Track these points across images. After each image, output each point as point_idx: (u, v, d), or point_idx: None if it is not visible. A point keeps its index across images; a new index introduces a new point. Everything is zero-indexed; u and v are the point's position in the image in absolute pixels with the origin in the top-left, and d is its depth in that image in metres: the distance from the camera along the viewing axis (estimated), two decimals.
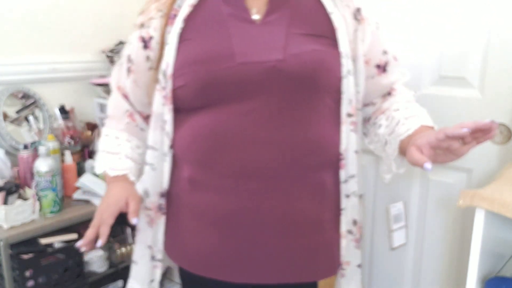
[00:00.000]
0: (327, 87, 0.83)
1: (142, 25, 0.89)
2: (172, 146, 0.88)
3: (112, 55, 1.85)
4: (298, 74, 0.80)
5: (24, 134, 1.68)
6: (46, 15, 1.74)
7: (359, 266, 0.93)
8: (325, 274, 0.90)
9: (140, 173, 0.97)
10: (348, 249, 0.90)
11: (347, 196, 0.88)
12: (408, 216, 1.49)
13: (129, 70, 0.92)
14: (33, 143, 1.63)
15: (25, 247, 1.40)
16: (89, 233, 0.86)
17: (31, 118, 1.70)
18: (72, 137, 1.72)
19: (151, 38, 0.88)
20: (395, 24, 1.41)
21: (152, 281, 0.96)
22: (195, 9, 0.85)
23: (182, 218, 0.90)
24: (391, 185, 1.50)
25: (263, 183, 0.81)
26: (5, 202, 1.41)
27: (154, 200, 0.92)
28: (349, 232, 0.90)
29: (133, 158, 0.96)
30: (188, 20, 0.84)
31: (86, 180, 1.65)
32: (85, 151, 1.77)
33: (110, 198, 0.91)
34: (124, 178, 0.94)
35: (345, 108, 0.85)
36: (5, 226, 1.37)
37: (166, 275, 2.03)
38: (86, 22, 1.86)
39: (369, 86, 0.90)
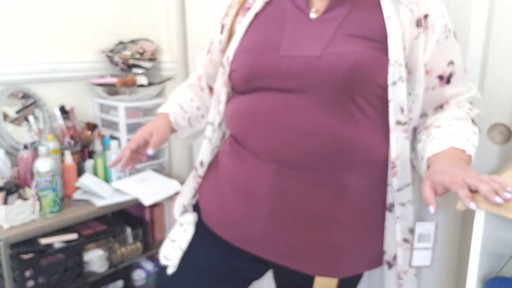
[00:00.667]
0: (364, 90, 0.82)
1: (226, 14, 1.03)
2: (221, 123, 0.99)
3: (112, 55, 1.85)
4: (333, 72, 0.80)
5: (24, 134, 1.68)
6: (46, 15, 1.74)
7: (415, 275, 0.92)
8: (323, 272, 0.89)
9: (187, 123, 1.13)
10: (405, 258, 0.88)
11: (402, 204, 0.86)
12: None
13: (208, 50, 1.09)
14: (33, 143, 1.63)
15: (25, 247, 1.39)
16: (117, 157, 1.05)
17: (31, 118, 1.70)
18: (72, 137, 1.72)
19: (225, 25, 1.01)
20: None
21: (181, 224, 1.04)
22: (267, 4, 0.95)
23: (216, 176, 0.98)
24: None
25: (285, 167, 0.85)
26: (5, 202, 1.41)
27: (206, 169, 1.03)
28: (405, 240, 0.88)
29: (182, 106, 1.12)
30: (258, 14, 0.94)
31: (86, 180, 1.65)
32: (85, 151, 1.77)
33: (141, 129, 1.06)
34: (165, 116, 1.10)
35: (394, 116, 0.82)
36: (5, 226, 1.37)
37: None
38: (86, 22, 1.86)
39: (429, 97, 0.88)
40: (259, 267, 1.00)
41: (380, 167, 0.87)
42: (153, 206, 1.83)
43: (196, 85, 1.15)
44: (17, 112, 1.68)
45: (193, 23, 1.90)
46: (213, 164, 1.02)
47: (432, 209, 0.72)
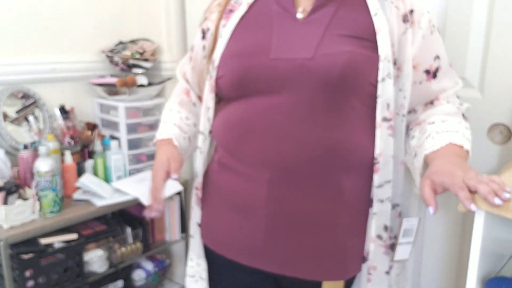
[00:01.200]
0: (357, 90, 0.82)
1: (205, 19, 0.99)
2: (211, 131, 0.96)
3: (112, 55, 1.85)
4: (325, 73, 0.80)
5: (24, 134, 1.68)
6: (46, 15, 1.74)
7: (387, 273, 0.91)
8: (330, 276, 0.89)
9: (188, 143, 1.05)
10: (376, 253, 0.88)
11: (381, 201, 0.86)
12: (408, 216, 1.48)
13: (190, 58, 1.05)
14: (33, 143, 1.63)
15: (25, 247, 1.39)
16: (151, 203, 0.94)
17: (31, 118, 1.70)
18: (72, 137, 1.72)
19: (207, 29, 0.98)
20: None
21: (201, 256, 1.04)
22: (250, 7, 0.92)
23: (210, 197, 0.97)
24: None
25: (280, 176, 0.84)
26: (5, 202, 1.41)
27: (200, 180, 0.99)
28: (379, 237, 0.88)
29: (180, 126, 1.04)
30: (243, 17, 0.91)
31: (86, 180, 1.65)
32: (85, 151, 1.77)
33: (157, 164, 0.97)
34: (169, 142, 1.01)
35: (380, 112, 0.83)
36: (5, 226, 1.37)
37: (166, 274, 2.03)
38: (86, 22, 1.86)
39: (417, 91, 0.88)
40: (267, 282, 0.98)
41: (370, 166, 0.87)
42: None
43: (187, 101, 1.08)
44: (17, 112, 1.67)
45: (193, 23, 1.90)
46: (205, 184, 0.99)
47: (431, 209, 0.72)
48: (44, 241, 1.44)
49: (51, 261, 1.44)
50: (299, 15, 0.87)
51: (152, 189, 0.92)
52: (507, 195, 0.68)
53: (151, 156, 1.93)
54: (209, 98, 0.94)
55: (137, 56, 1.84)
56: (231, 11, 0.93)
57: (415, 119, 0.92)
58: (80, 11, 1.84)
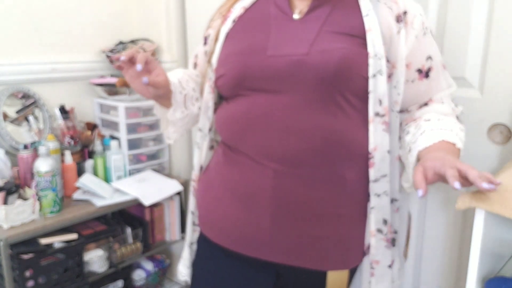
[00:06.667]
0: (351, 85, 0.85)
1: (209, 27, 1.05)
2: (211, 129, 1.00)
3: (112, 55, 1.85)
4: (321, 69, 0.83)
5: (24, 134, 1.68)
6: (46, 15, 1.74)
7: (389, 266, 0.93)
8: (333, 266, 0.91)
9: (183, 99, 1.00)
10: (377, 248, 0.90)
11: (378, 195, 0.88)
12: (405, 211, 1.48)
13: (195, 64, 1.10)
14: (33, 143, 1.63)
15: (25, 247, 1.40)
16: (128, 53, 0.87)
17: (31, 118, 1.71)
18: (72, 137, 1.72)
19: (208, 35, 1.03)
20: None
21: (192, 243, 1.10)
22: (247, 11, 0.96)
23: (210, 188, 0.99)
24: None
25: (281, 168, 0.86)
26: (5, 202, 1.41)
27: (197, 173, 1.04)
28: (379, 231, 0.90)
29: (181, 82, 1.00)
30: (239, 20, 0.96)
31: (86, 180, 1.65)
32: (85, 151, 1.77)
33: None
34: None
35: (373, 108, 0.86)
36: (5, 226, 1.37)
37: (166, 274, 2.03)
38: (86, 22, 1.86)
39: (410, 90, 0.91)
40: (268, 275, 0.98)
41: (367, 160, 0.89)
42: (153, 206, 1.83)
43: (191, 72, 1.09)
44: (17, 112, 1.68)
45: (193, 23, 1.90)
46: (207, 175, 1.02)
47: (420, 192, 0.71)
48: (44, 241, 1.44)
49: (51, 261, 1.44)
50: (296, 16, 0.91)
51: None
52: (497, 181, 0.70)
53: (151, 156, 1.93)
54: (208, 98, 0.98)
55: None
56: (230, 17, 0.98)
57: (410, 116, 0.94)
58: (80, 11, 1.84)
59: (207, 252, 1.02)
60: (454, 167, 0.71)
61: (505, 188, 0.87)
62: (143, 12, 1.98)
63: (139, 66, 0.83)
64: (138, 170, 1.87)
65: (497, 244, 0.98)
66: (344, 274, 0.92)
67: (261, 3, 0.96)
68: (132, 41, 1.94)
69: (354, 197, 0.89)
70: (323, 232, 0.88)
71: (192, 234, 1.10)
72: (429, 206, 1.43)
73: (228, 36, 0.95)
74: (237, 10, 0.97)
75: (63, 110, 1.74)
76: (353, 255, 0.92)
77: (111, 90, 1.81)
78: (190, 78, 1.08)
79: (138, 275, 1.88)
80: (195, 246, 1.09)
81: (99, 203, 1.60)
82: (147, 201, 1.67)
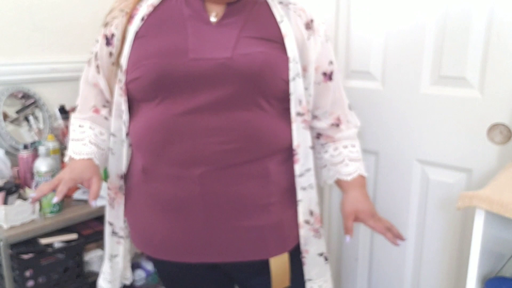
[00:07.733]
0: (272, 87, 0.89)
1: (106, 24, 0.96)
2: (128, 134, 0.96)
3: None
4: (245, 72, 0.86)
5: (24, 134, 1.68)
6: (45, 15, 1.74)
7: (320, 254, 0.99)
8: (274, 252, 0.94)
9: (104, 158, 1.02)
10: (306, 238, 0.96)
11: (304, 188, 0.94)
12: (408, 216, 1.49)
13: (97, 66, 0.99)
14: (33, 143, 1.64)
15: (25, 247, 1.39)
16: (45, 188, 0.89)
17: (31, 118, 1.71)
18: None
19: (113, 35, 0.95)
20: (396, 22, 1.41)
21: (114, 256, 1.06)
22: (156, 9, 0.93)
23: (138, 207, 0.98)
24: (391, 185, 1.50)
25: (208, 171, 0.88)
26: (5, 202, 1.41)
27: (114, 181, 1.00)
28: (306, 222, 0.96)
29: (97, 144, 1.00)
30: (148, 19, 0.91)
31: None
32: None
33: (77, 168, 0.95)
34: (89, 161, 0.98)
35: (294, 108, 0.91)
36: (5, 226, 1.37)
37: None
38: (86, 22, 1.86)
39: (318, 91, 0.99)
40: (217, 274, 1.06)
41: (291, 156, 0.95)
42: None
43: (97, 117, 1.02)
44: (17, 112, 1.68)
45: None
46: (131, 196, 1.00)
47: (348, 238, 0.97)
48: (44, 241, 1.44)
49: (51, 261, 1.44)
50: (213, 19, 0.91)
51: (56, 182, 0.90)
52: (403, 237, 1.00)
53: None
54: (121, 101, 0.93)
55: None
56: (136, 15, 0.93)
57: (329, 136, 1.04)
58: (80, 11, 1.84)
59: (161, 265, 1.09)
60: (387, 231, 0.98)
61: (505, 188, 0.87)
62: None
63: (55, 199, 0.89)
64: None
65: (497, 244, 0.98)
66: (284, 256, 0.96)
67: (171, 2, 0.93)
68: None
69: (280, 186, 0.94)
70: (257, 222, 0.92)
71: (114, 245, 1.05)
72: (429, 206, 1.43)
73: (138, 35, 0.90)
74: (144, 8, 0.92)
75: (63, 110, 1.74)
76: (289, 237, 0.96)
77: None
78: (101, 127, 1.02)
79: (138, 275, 1.88)
80: (118, 259, 1.07)
81: (99, 203, 1.59)
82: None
